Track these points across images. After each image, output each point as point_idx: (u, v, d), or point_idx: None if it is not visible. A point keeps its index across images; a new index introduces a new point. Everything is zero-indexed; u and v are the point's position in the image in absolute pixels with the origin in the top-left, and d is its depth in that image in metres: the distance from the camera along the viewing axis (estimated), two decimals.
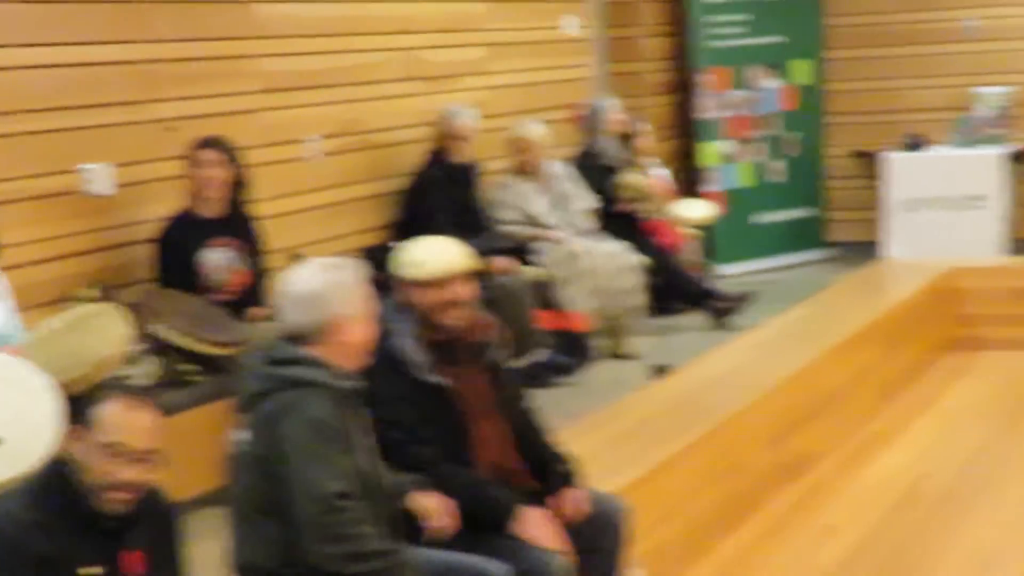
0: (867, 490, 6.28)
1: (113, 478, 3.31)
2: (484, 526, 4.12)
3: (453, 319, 4.26)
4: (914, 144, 10.71)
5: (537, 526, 4.13)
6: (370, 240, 7.50)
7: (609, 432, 5.69)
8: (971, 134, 10.67)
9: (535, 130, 8.22)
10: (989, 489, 6.16)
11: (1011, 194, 10.43)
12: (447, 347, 4.28)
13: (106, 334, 4.94)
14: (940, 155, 10.66)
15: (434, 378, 4.19)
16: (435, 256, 4.32)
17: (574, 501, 4.24)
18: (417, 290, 4.26)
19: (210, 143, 6.12)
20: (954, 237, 10.05)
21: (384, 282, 4.34)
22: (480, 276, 4.74)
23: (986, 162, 10.40)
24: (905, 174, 10.52)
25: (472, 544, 4.05)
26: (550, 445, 4.41)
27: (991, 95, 10.78)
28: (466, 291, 4.30)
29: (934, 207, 10.38)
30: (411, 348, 4.20)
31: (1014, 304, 8.58)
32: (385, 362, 4.10)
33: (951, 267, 8.95)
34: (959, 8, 11.06)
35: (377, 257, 6.09)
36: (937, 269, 8.92)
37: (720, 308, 8.52)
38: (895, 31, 11.22)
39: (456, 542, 4.04)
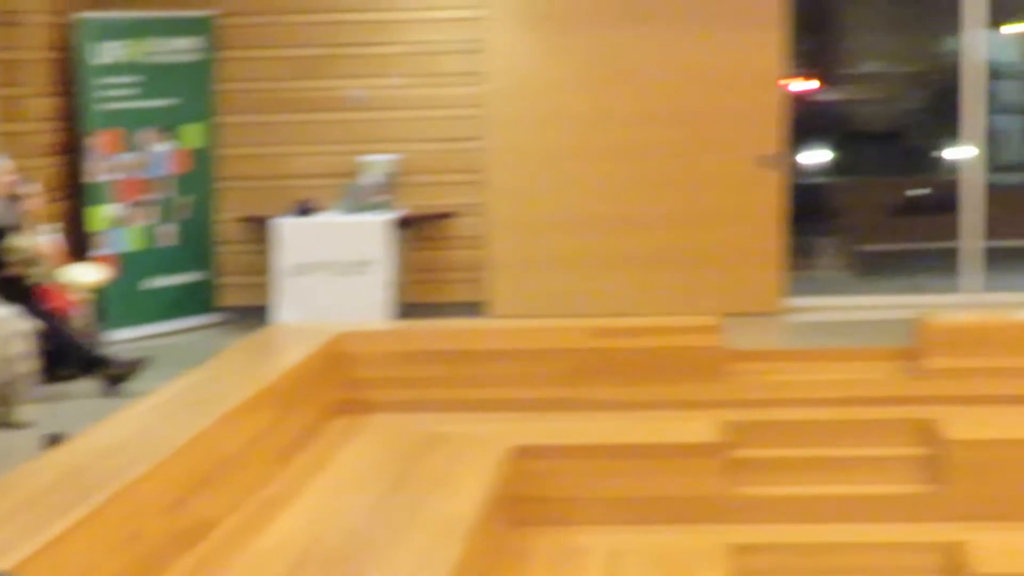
0: (263, 555, 6.30)
1: None
2: None
3: None
4: (304, 210, 10.94)
5: None
6: None
7: (1, 506, 5.49)
8: (359, 201, 11.00)
9: None
10: (381, 549, 6.32)
11: (397, 259, 10.81)
12: None
13: None
14: (329, 221, 10.93)
15: None
16: None
17: None
18: None
19: None
20: (344, 302, 10.33)
21: None
22: None
23: (373, 228, 10.74)
24: (295, 239, 10.72)
25: None
26: None
27: (377, 163, 11.15)
28: None
29: (324, 272, 10.62)
30: None
31: (401, 367, 8.85)
32: None
33: (341, 331, 9.15)
34: (346, 77, 11.39)
35: None
36: (328, 333, 9.10)
37: (113, 374, 8.42)
38: (286, 98, 11.43)
39: None
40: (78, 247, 10.26)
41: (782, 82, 11.41)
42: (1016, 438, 6.51)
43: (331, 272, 10.64)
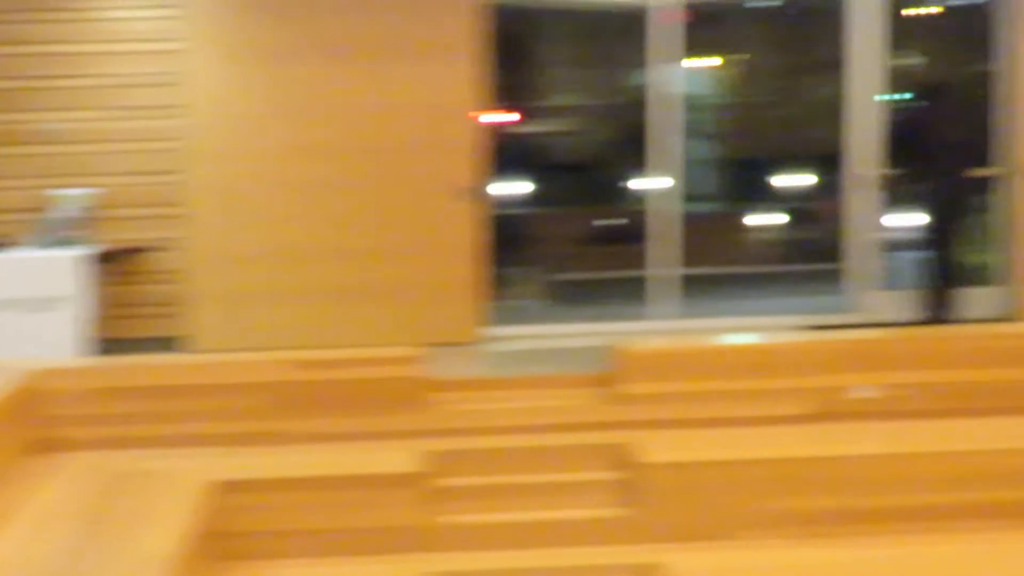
0: None
1: None
2: None
3: None
4: None
5: None
6: None
7: None
8: (51, 235, 10.75)
9: None
10: None
11: (94, 295, 10.59)
12: None
13: None
14: (20, 256, 10.66)
15: None
16: None
17: None
18: None
19: None
20: (37, 338, 10.08)
21: None
22: None
23: (66, 263, 10.51)
24: None
25: None
26: None
27: (71, 197, 10.92)
28: None
29: (14, 309, 10.35)
30: None
31: (99, 404, 8.69)
32: None
33: (34, 369, 8.93)
34: (40, 110, 11.15)
35: None
36: (20, 371, 8.87)
37: None
38: None
39: None
40: None
41: (478, 115, 11.56)
42: (709, 460, 6.71)
43: (21, 309, 10.37)
